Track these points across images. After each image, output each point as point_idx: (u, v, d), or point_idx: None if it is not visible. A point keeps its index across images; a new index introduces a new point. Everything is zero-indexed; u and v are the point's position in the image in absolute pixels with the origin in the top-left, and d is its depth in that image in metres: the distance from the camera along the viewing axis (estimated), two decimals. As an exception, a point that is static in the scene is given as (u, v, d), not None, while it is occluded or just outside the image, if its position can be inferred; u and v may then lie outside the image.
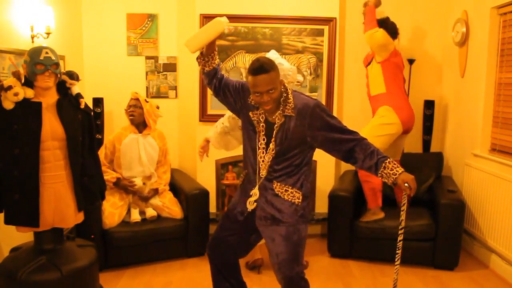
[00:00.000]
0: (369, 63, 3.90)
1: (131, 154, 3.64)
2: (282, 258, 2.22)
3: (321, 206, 4.21)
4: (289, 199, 2.27)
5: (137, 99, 3.68)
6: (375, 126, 3.66)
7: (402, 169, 2.13)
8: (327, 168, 4.25)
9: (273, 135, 2.24)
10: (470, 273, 3.48)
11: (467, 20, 3.88)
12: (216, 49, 2.40)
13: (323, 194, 4.04)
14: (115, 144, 3.65)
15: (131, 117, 3.68)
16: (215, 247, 2.47)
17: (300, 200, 2.29)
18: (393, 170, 2.12)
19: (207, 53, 2.36)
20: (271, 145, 2.25)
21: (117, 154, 3.64)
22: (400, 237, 2.22)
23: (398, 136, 3.73)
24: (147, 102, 3.70)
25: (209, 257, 2.52)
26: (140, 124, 3.71)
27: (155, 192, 3.69)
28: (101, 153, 3.61)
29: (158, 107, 3.79)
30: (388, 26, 3.77)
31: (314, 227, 4.25)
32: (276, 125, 2.23)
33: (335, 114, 4.25)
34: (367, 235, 3.60)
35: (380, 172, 2.14)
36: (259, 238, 2.46)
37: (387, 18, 3.85)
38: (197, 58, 2.40)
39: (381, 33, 3.70)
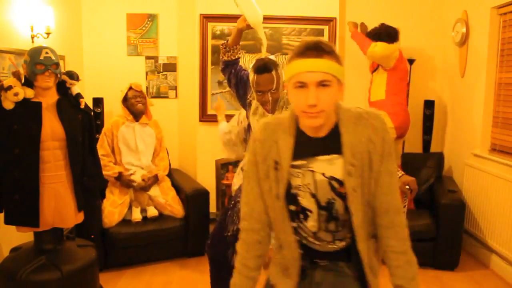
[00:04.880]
0: (375, 70, 3.89)
1: (128, 142, 3.67)
2: None
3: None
4: None
5: (141, 91, 3.73)
6: None
7: (403, 172, 2.12)
8: (327, 168, 4.24)
9: None
10: (470, 273, 3.47)
11: (467, 20, 3.88)
12: (240, 43, 2.50)
13: (323, 194, 4.04)
14: (113, 131, 3.66)
15: (139, 105, 3.69)
16: (214, 245, 2.47)
17: None
18: None
19: (231, 44, 2.46)
20: None
21: (116, 141, 3.66)
22: None
23: (394, 141, 3.74)
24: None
25: (208, 255, 2.52)
26: (140, 113, 3.73)
27: (155, 179, 3.70)
28: (103, 142, 3.61)
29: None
30: (383, 35, 3.75)
31: (314, 227, 4.24)
32: None
33: (335, 114, 4.25)
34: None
35: None
36: None
37: (381, 26, 3.82)
38: (221, 45, 2.50)
39: (379, 47, 3.68)
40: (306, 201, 1.40)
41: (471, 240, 3.82)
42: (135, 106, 3.69)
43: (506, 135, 3.46)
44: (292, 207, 1.42)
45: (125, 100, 3.71)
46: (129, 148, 3.68)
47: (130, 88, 3.71)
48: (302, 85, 1.28)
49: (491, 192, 3.50)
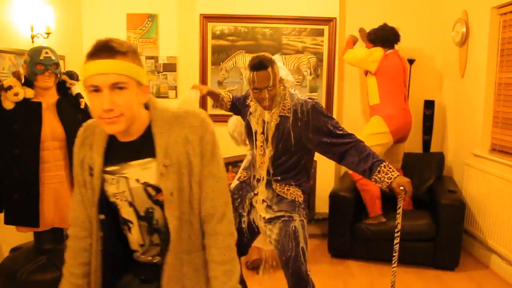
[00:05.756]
0: (366, 73, 3.88)
1: None
2: (290, 255, 2.22)
3: (322, 206, 4.20)
4: (292, 197, 2.28)
5: None
6: (364, 136, 3.63)
7: (398, 173, 2.11)
8: (327, 168, 4.24)
9: (270, 136, 2.25)
10: (470, 273, 3.47)
11: (467, 20, 3.88)
12: (221, 93, 2.60)
13: (323, 194, 4.04)
14: None
15: None
16: None
17: (302, 198, 2.30)
18: (388, 174, 2.09)
19: (215, 102, 2.60)
20: (269, 145, 2.26)
21: None
22: (397, 240, 2.23)
23: (394, 145, 3.73)
24: None
25: None
26: None
27: None
28: None
29: None
30: (377, 40, 3.75)
31: (314, 227, 4.24)
32: (272, 125, 2.24)
33: (334, 114, 4.25)
34: (368, 236, 3.60)
35: (374, 176, 2.11)
36: (258, 237, 2.47)
37: (377, 30, 3.78)
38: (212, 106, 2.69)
39: (352, 53, 3.84)
40: (125, 211, 1.31)
41: (471, 240, 3.82)
42: None
43: (506, 135, 3.46)
44: (102, 216, 1.31)
45: None
46: None
47: None
48: (96, 89, 1.16)
49: (491, 192, 3.50)
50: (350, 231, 3.65)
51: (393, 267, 2.26)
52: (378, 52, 3.71)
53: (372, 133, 3.64)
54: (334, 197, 3.70)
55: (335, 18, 4.14)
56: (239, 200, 2.44)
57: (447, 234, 3.44)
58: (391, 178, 2.08)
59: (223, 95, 2.58)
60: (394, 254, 2.24)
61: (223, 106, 2.60)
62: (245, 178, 2.46)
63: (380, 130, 3.62)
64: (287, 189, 2.29)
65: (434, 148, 4.35)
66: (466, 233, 3.80)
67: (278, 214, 2.28)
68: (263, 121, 2.28)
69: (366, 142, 3.54)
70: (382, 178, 2.09)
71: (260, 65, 2.13)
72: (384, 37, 3.75)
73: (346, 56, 3.93)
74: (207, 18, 4.14)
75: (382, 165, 2.11)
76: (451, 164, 4.25)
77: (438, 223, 3.47)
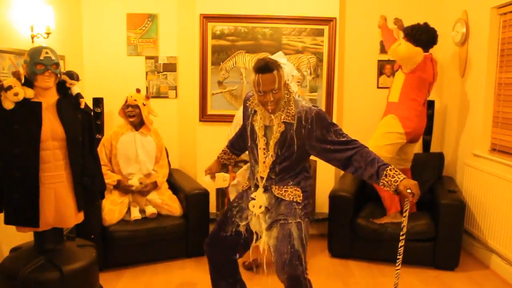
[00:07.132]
0: (397, 70, 3.77)
1: (127, 152, 3.66)
2: (286, 258, 2.20)
3: (322, 206, 4.21)
4: (290, 199, 2.28)
5: (136, 105, 3.68)
6: (379, 135, 3.61)
7: (404, 176, 2.10)
8: (327, 168, 4.23)
9: (272, 141, 2.25)
10: (470, 273, 3.47)
11: (467, 20, 3.88)
12: (219, 156, 2.72)
13: (323, 194, 4.04)
14: (112, 142, 3.66)
15: (130, 118, 3.69)
16: (213, 245, 2.47)
17: (301, 198, 2.29)
18: (394, 177, 2.08)
19: (230, 161, 2.74)
20: (270, 150, 2.26)
21: (114, 152, 3.66)
22: (402, 243, 2.22)
23: (405, 145, 3.70)
24: (144, 105, 3.71)
25: (207, 255, 2.52)
26: (137, 123, 3.73)
27: (154, 185, 3.70)
28: (101, 152, 3.61)
29: (138, 91, 3.76)
30: (413, 35, 3.61)
31: (314, 227, 4.25)
32: (275, 131, 2.24)
33: (334, 114, 4.25)
34: (368, 236, 3.60)
35: (381, 180, 2.11)
36: (257, 238, 2.46)
37: (419, 26, 3.66)
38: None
39: (403, 47, 3.51)
40: None
41: (471, 240, 3.82)
42: (127, 119, 3.71)
43: (506, 135, 3.47)
44: None
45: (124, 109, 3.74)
46: (129, 158, 3.67)
47: (126, 100, 3.70)
48: None
49: (491, 192, 3.50)
50: (350, 231, 3.65)
51: (397, 269, 2.26)
52: (420, 55, 3.53)
53: (387, 131, 3.59)
54: (334, 197, 3.70)
55: (335, 18, 4.15)
56: (237, 208, 2.43)
57: (447, 234, 3.44)
58: (397, 181, 2.08)
59: (221, 155, 2.70)
60: (398, 257, 2.24)
61: (231, 158, 2.71)
62: (247, 188, 2.47)
63: (395, 130, 3.57)
64: (285, 190, 2.29)
65: (434, 148, 4.35)
66: (466, 233, 3.80)
67: (276, 218, 2.28)
68: (264, 125, 2.28)
69: (380, 140, 3.58)
70: (389, 182, 2.09)
71: (266, 67, 2.13)
72: (431, 40, 3.63)
73: (394, 48, 3.56)
74: (207, 18, 4.15)
75: (388, 168, 2.11)
76: (451, 164, 4.25)
77: (438, 223, 3.47)
